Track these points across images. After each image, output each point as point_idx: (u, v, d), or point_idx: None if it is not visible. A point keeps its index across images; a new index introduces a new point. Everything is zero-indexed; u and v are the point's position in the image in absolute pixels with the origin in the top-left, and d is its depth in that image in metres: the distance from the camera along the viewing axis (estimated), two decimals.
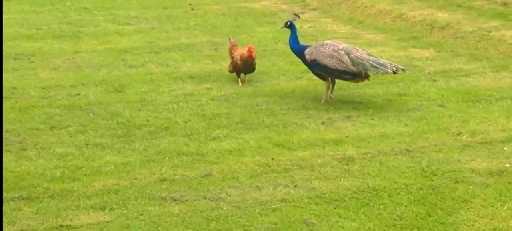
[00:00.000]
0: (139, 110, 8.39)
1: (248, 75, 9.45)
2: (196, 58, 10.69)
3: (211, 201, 6.13)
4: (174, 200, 6.15)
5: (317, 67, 8.70)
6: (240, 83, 9.35)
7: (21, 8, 14.18)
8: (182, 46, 11.39)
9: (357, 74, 8.51)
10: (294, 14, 9.65)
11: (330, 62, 8.53)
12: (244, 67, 9.31)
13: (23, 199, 6.16)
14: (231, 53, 9.54)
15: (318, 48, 8.72)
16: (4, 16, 13.39)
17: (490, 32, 12.12)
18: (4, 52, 10.79)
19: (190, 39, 11.84)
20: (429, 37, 12.17)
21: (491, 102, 8.61)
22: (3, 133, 7.62)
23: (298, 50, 8.95)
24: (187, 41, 11.69)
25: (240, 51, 9.37)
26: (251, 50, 9.24)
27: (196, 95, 8.98)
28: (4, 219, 5.82)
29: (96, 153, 7.15)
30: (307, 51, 8.77)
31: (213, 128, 7.85)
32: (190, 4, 14.68)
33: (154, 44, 11.49)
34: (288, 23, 9.09)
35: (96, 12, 14.00)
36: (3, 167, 6.69)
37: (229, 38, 9.83)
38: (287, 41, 9.21)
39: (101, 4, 14.77)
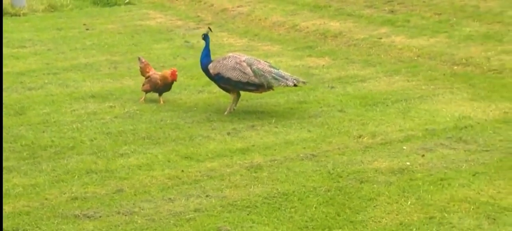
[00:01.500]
0: (43, 132, 8.32)
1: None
2: (96, 78, 10.67)
3: (125, 215, 6.18)
4: (88, 217, 6.17)
5: (221, 81, 8.85)
6: (143, 99, 9.41)
7: None
8: (81, 66, 11.33)
9: (260, 85, 8.71)
10: (208, 27, 9.85)
11: (233, 75, 8.70)
12: (163, 87, 9.37)
13: None
14: (145, 72, 9.55)
15: (220, 62, 8.88)
16: None
17: (380, 38, 12.59)
18: None
19: (88, 59, 11.79)
20: (324, 46, 12.52)
21: (387, 105, 8.97)
22: None
23: (204, 65, 9.08)
24: (85, 61, 11.63)
25: (159, 73, 9.43)
26: (175, 74, 9.36)
27: (99, 113, 8.97)
28: None
29: (3, 176, 7.06)
30: (210, 66, 8.92)
31: (120, 144, 7.88)
32: (84, 24, 14.58)
33: (52, 66, 11.38)
34: (203, 36, 9.26)
35: None
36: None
37: (139, 58, 9.84)
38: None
39: None
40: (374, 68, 10.79)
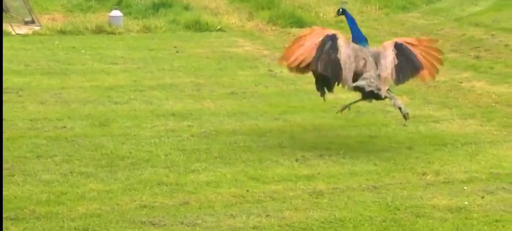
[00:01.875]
0: (123, 144, 8.81)
1: None
2: (179, 97, 11.15)
3: (188, 226, 6.56)
4: (153, 224, 6.57)
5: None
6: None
7: (11, 45, 14.62)
8: (166, 85, 11.84)
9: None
10: (342, 1, 9.86)
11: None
12: None
13: (10, 219, 6.56)
14: None
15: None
16: None
17: (461, 82, 12.68)
18: None
19: (174, 80, 12.31)
20: (403, 85, 12.62)
21: (456, 147, 9.09)
22: None
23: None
24: (170, 81, 12.15)
25: None
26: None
27: (177, 131, 9.42)
28: None
29: (80, 181, 7.56)
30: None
31: (193, 161, 8.28)
32: (175, 47, 15.18)
33: (139, 83, 11.94)
34: (340, 10, 9.29)
35: (83, 51, 14.47)
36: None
37: None
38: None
39: (89, 44, 15.24)
40: (449, 110, 10.91)
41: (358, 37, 9.32)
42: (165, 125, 9.66)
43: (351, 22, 9.50)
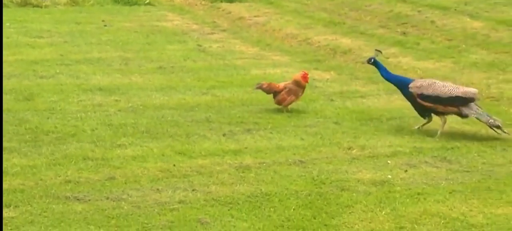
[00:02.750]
0: (48, 118, 8.68)
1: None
2: (106, 72, 11.03)
3: (113, 201, 6.51)
4: (78, 199, 6.50)
5: (428, 99, 8.79)
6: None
7: None
8: (93, 60, 11.70)
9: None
10: (376, 50, 9.84)
11: (443, 91, 8.76)
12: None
13: None
14: (274, 89, 9.54)
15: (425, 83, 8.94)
16: None
17: (388, 58, 12.82)
18: None
19: (101, 54, 12.17)
20: (332, 61, 12.81)
21: (381, 122, 9.23)
22: None
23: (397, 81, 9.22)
24: (98, 55, 12.01)
25: (290, 82, 9.56)
26: (307, 77, 9.54)
27: (104, 106, 9.32)
28: None
29: (4, 156, 7.41)
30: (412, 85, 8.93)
31: (119, 136, 8.21)
32: (103, 21, 14.98)
33: (65, 57, 11.77)
34: (372, 60, 9.38)
35: (8, 24, 14.16)
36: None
37: (260, 86, 9.66)
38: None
39: (14, 17, 14.93)
40: (376, 86, 11.05)
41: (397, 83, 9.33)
42: (92, 100, 9.55)
43: (385, 71, 9.44)
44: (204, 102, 9.76)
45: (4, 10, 15.50)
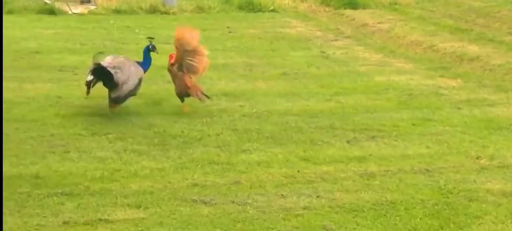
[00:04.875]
0: (175, 122, 8.89)
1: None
2: (231, 78, 11.19)
3: (239, 205, 6.59)
4: (204, 202, 6.63)
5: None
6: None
7: (67, 24, 14.84)
8: (218, 66, 11.88)
9: None
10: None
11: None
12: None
13: (65, 194, 6.68)
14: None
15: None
16: (51, 31, 14.07)
17: None
18: (50, 65, 11.43)
19: (226, 60, 12.36)
20: (458, 68, 12.54)
21: (511, 131, 8.96)
22: (49, 137, 8.18)
23: None
24: (223, 62, 12.20)
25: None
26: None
27: (229, 111, 9.46)
28: (48, 212, 6.35)
29: (134, 158, 7.66)
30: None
31: (244, 141, 8.32)
32: (228, 27, 15.22)
33: None
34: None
35: (137, 30, 14.59)
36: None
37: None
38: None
39: (143, 23, 15.36)
40: (505, 94, 10.74)
41: None
42: (217, 105, 9.71)
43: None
44: (327, 109, 9.75)
45: (134, 17, 16.00)
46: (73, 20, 15.50)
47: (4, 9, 15.46)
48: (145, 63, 9.61)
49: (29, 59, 11.67)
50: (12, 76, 10.54)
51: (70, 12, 16.11)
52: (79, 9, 16.51)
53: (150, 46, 9.73)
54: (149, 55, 9.72)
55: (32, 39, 13.12)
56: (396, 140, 8.52)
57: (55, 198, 6.60)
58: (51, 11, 15.72)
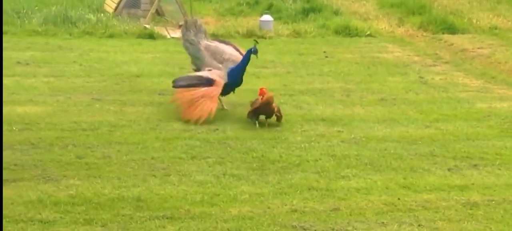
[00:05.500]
0: (273, 147, 8.91)
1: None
2: (329, 103, 11.15)
3: None
4: (304, 229, 6.61)
5: None
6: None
7: (166, 48, 15.08)
8: (315, 90, 11.87)
9: None
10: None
11: None
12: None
13: (166, 218, 6.77)
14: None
15: None
16: (150, 55, 14.34)
17: None
18: (150, 88, 11.62)
19: (323, 85, 12.32)
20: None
21: None
22: (150, 160, 8.32)
23: None
24: (320, 86, 12.17)
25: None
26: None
27: (327, 136, 9.42)
28: None
29: (233, 183, 7.70)
30: None
31: (343, 167, 8.26)
32: (324, 52, 15.19)
33: (289, 87, 12.03)
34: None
35: None
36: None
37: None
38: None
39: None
40: None
41: None
42: (315, 130, 9.68)
43: None
44: (427, 135, 9.60)
45: (231, 41, 16.12)
46: (172, 44, 15.74)
47: (106, 33, 15.86)
48: (242, 60, 10.45)
49: (130, 83, 11.91)
50: (114, 100, 10.79)
51: (168, 36, 16.40)
52: (177, 33, 16.77)
53: (253, 49, 10.46)
54: (249, 56, 10.43)
55: (132, 63, 13.40)
56: (499, 169, 8.31)
57: (156, 221, 6.70)
58: (151, 36, 16.01)
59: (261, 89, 10.07)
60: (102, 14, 16.85)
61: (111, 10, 17.43)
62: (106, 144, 8.80)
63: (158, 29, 16.57)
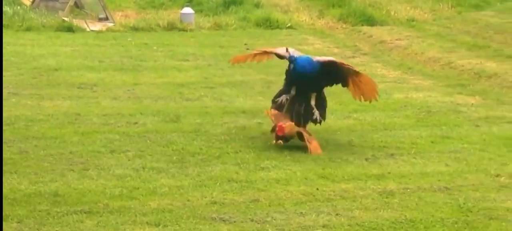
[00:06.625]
0: (193, 140, 8.91)
1: None
2: (249, 95, 11.20)
3: (258, 223, 6.59)
4: (223, 220, 6.63)
5: None
6: None
7: (85, 41, 14.90)
8: (236, 83, 11.91)
9: None
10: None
11: None
12: None
13: (84, 212, 6.70)
14: None
15: None
16: (69, 49, 14.14)
17: None
18: (68, 82, 11.48)
19: (244, 77, 12.37)
20: (476, 85, 12.50)
21: None
22: (68, 154, 8.22)
23: None
24: (241, 79, 12.22)
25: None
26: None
27: (247, 129, 9.47)
28: (68, 230, 6.37)
29: (152, 176, 7.68)
30: None
31: (263, 159, 8.32)
32: (245, 44, 15.24)
33: (210, 80, 12.04)
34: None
35: (155, 48, 14.64)
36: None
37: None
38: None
39: (161, 40, 15.41)
40: None
41: None
42: (235, 122, 9.72)
43: None
44: (346, 126, 9.75)
45: (151, 34, 16.05)
46: (91, 37, 15.57)
47: (23, 27, 15.57)
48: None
49: (48, 77, 11.74)
50: (31, 94, 10.62)
51: (88, 30, 16.20)
52: (97, 26, 16.60)
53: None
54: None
55: (50, 56, 13.20)
56: (414, 158, 8.50)
57: (74, 216, 6.62)
58: (70, 29, 15.79)
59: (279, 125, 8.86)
60: (18, 7, 16.52)
61: (28, 3, 17.12)
62: (22, 138, 8.66)
63: (77, 22, 16.34)
